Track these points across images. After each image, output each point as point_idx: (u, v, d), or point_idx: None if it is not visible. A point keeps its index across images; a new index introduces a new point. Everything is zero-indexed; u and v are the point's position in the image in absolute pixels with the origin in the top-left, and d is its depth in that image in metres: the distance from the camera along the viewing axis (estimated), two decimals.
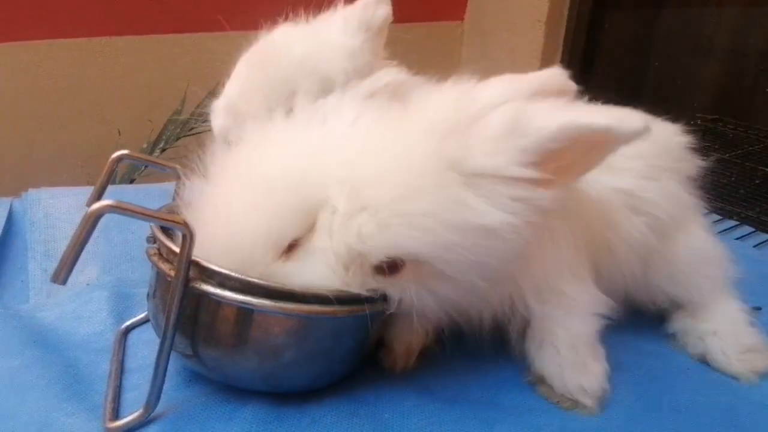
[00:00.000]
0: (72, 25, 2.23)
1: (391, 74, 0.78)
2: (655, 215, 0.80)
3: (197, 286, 0.61)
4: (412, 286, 0.63)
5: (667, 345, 0.87)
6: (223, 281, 0.61)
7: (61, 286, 0.55)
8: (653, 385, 0.77)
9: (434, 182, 0.59)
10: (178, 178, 0.81)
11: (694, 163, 0.86)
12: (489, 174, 0.60)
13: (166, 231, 0.69)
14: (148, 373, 0.72)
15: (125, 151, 0.76)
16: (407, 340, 0.75)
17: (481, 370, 0.78)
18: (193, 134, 2.23)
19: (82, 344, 0.78)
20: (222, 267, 0.61)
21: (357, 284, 0.63)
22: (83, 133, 2.34)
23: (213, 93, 2.55)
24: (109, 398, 0.67)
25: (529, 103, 0.62)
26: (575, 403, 0.72)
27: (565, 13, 2.72)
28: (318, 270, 0.63)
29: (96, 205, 0.55)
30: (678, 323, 0.87)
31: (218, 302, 0.62)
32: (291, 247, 0.64)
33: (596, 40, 2.79)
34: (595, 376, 0.73)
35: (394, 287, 0.64)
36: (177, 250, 0.62)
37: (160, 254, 0.67)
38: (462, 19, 2.99)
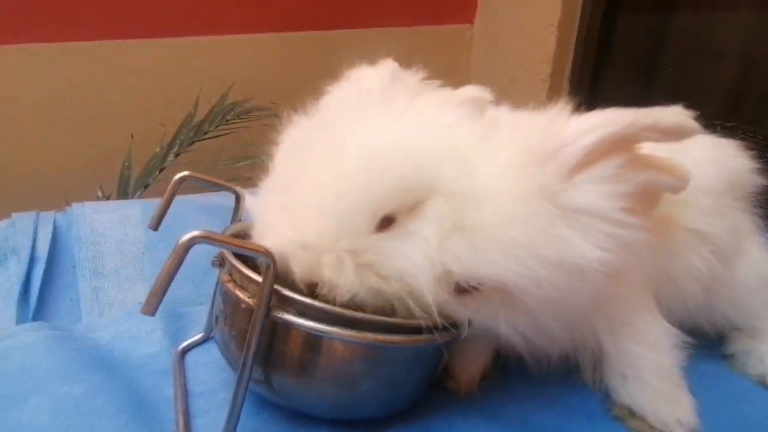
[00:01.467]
0: (84, 28, 2.22)
1: (475, 90, 0.77)
2: (719, 246, 0.80)
3: (278, 314, 0.60)
4: (485, 311, 0.63)
5: (725, 366, 0.87)
6: (303, 310, 0.61)
7: (149, 313, 0.54)
8: (723, 410, 0.77)
9: (531, 211, 0.59)
10: (237, 198, 0.80)
11: (757, 185, 0.85)
12: (591, 212, 0.60)
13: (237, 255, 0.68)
14: (214, 397, 0.72)
15: (187, 173, 0.75)
16: (470, 368, 0.75)
17: (545, 396, 0.77)
18: (207, 138, 2.22)
19: (141, 366, 0.77)
20: (304, 296, 0.60)
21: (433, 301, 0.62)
22: (95, 137, 2.32)
23: (226, 96, 2.53)
24: (180, 427, 0.66)
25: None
26: None
27: (578, 17, 2.71)
28: (415, 256, 0.61)
29: (186, 237, 0.54)
30: (737, 344, 0.87)
31: (297, 330, 0.61)
32: (385, 222, 0.62)
33: (608, 44, 2.79)
34: (686, 408, 0.72)
35: (465, 309, 0.63)
36: (254, 277, 0.62)
37: (234, 280, 0.66)
38: (471, 22, 2.98)
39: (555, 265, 0.59)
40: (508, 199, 0.60)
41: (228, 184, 0.79)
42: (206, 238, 0.55)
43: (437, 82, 0.87)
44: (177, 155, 2.19)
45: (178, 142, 2.24)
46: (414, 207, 0.62)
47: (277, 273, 0.59)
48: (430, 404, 0.73)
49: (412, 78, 0.84)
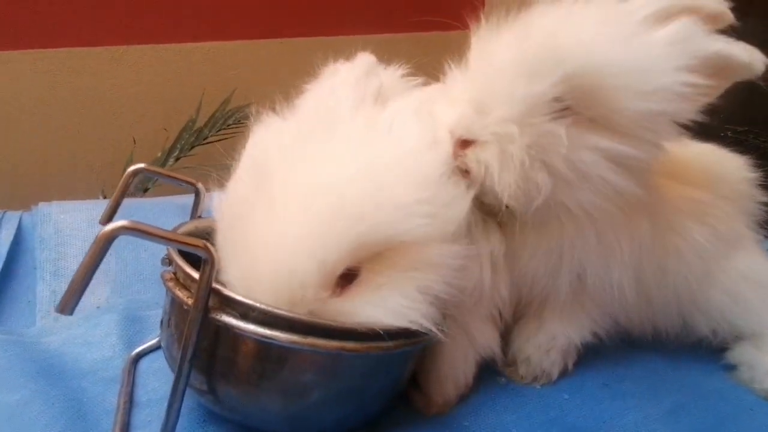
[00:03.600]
0: (88, 34, 2.22)
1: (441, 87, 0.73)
2: (717, 228, 0.76)
3: (217, 317, 0.55)
4: None
5: (729, 381, 0.79)
6: (246, 312, 0.55)
7: (66, 312, 0.49)
8: (725, 428, 0.70)
9: None
10: (197, 193, 0.75)
11: (758, 199, 0.81)
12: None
13: (185, 252, 0.62)
14: (160, 408, 0.66)
15: (141, 165, 0.71)
16: (447, 388, 0.69)
17: (523, 409, 0.71)
18: (208, 143, 2.19)
19: (89, 373, 0.72)
20: (246, 297, 0.54)
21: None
22: (99, 142, 2.32)
23: (227, 101, 2.52)
24: None
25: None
26: None
27: None
28: (389, 306, 0.56)
29: (109, 227, 0.48)
30: (741, 354, 0.80)
31: (240, 335, 0.55)
32: (345, 278, 0.56)
33: None
34: None
35: None
36: (196, 275, 0.56)
37: (177, 279, 0.60)
38: None
39: None
40: None
41: (186, 179, 0.74)
42: (133, 230, 0.49)
43: (418, 80, 0.82)
44: (177, 159, 2.17)
45: (178, 146, 2.22)
46: (380, 254, 0.57)
47: (216, 271, 0.53)
48: (395, 417, 0.67)
49: (391, 75, 0.79)
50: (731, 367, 0.81)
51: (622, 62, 0.59)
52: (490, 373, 0.75)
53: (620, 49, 0.59)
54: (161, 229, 0.51)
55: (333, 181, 0.56)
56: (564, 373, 0.77)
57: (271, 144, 0.65)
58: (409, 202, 0.57)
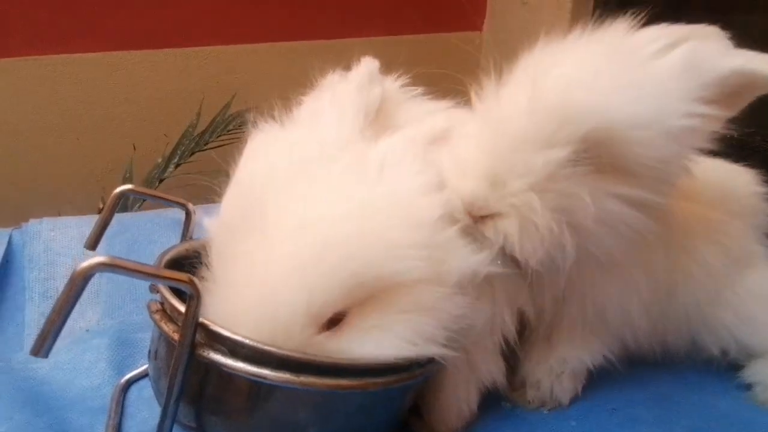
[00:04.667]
0: (88, 39, 2.20)
1: (447, 118, 0.70)
2: (728, 246, 0.75)
3: (204, 353, 0.52)
4: None
5: (744, 402, 0.76)
6: (235, 348, 0.52)
7: (41, 355, 0.46)
8: None
9: None
10: (187, 214, 0.73)
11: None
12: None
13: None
14: None
15: (129, 186, 0.68)
16: (450, 417, 0.66)
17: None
18: (208, 149, 2.17)
19: (77, 401, 0.69)
20: (234, 333, 0.52)
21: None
22: (99, 148, 2.30)
23: (228, 106, 2.49)
24: None
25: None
26: None
27: (588, 22, 2.61)
28: (384, 344, 0.54)
29: (84, 264, 0.45)
30: (757, 373, 0.77)
31: (228, 373, 0.53)
32: (334, 321, 0.54)
33: None
34: None
35: None
36: (183, 309, 0.54)
37: (164, 311, 0.58)
38: (480, 29, 2.90)
39: None
40: None
41: (176, 199, 0.72)
42: (112, 266, 0.46)
43: (418, 89, 0.79)
44: (177, 166, 2.15)
45: (179, 152, 2.19)
46: (366, 297, 0.55)
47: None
48: None
49: (391, 84, 0.76)
50: (746, 387, 0.77)
51: (638, 114, 0.57)
52: (493, 399, 0.72)
53: (635, 100, 0.58)
54: (142, 264, 0.48)
55: (324, 220, 0.55)
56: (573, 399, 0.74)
57: (265, 168, 0.63)
58: (402, 244, 0.55)
